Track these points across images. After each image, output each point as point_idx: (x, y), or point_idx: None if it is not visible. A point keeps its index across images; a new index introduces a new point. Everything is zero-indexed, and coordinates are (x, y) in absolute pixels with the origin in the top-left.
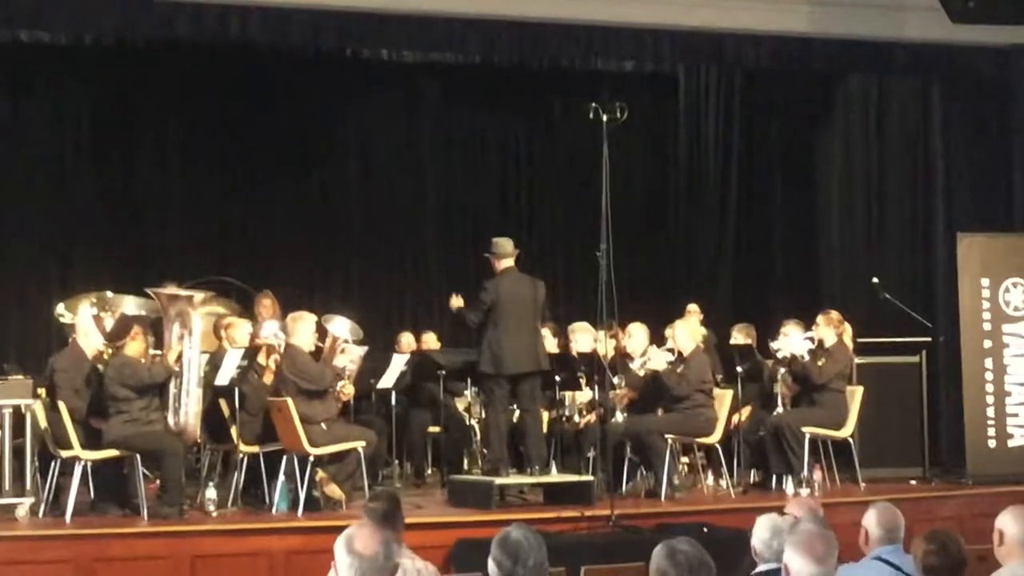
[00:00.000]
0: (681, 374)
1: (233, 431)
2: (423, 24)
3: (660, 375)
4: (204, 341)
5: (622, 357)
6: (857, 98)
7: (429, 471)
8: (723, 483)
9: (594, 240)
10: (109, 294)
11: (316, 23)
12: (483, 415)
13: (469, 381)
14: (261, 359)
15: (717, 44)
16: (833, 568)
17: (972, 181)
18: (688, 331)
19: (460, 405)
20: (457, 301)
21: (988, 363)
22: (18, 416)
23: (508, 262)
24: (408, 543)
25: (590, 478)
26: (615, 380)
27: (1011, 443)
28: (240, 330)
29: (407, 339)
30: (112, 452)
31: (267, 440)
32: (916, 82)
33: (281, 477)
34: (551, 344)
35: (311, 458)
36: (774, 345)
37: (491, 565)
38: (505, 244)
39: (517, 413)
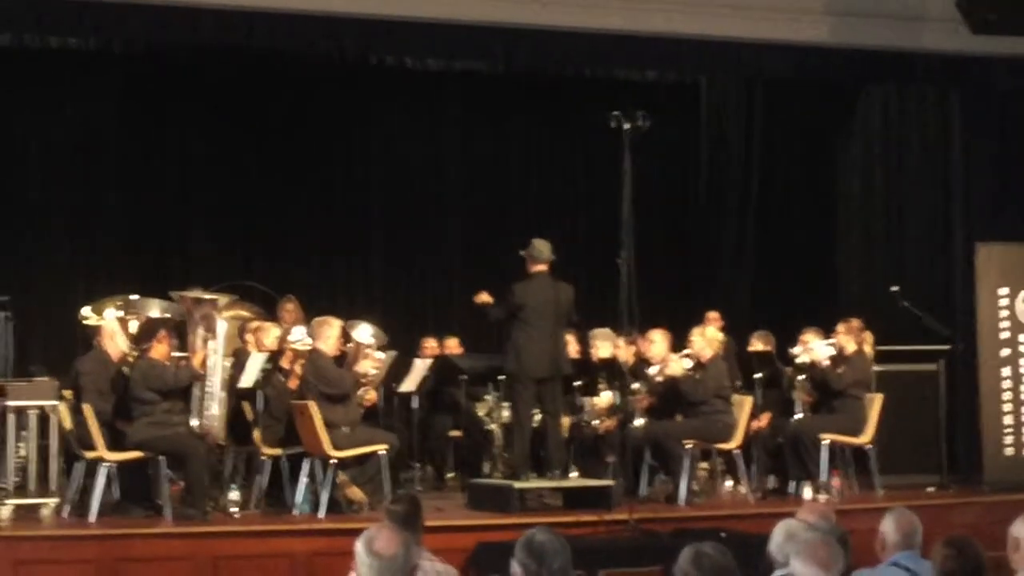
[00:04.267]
0: (699, 380)
1: (256, 434)
2: (446, 32)
3: (678, 381)
4: (228, 345)
5: (642, 363)
6: (877, 108)
7: (450, 474)
8: (742, 489)
9: (615, 248)
10: (134, 297)
11: (340, 31)
12: (504, 419)
13: (491, 386)
14: (286, 363)
15: (738, 54)
16: (839, 574)
17: (991, 191)
18: (707, 337)
19: (481, 410)
20: (485, 297)
21: (1006, 372)
22: (43, 417)
23: (542, 266)
24: (428, 546)
25: (610, 483)
26: (634, 386)
27: None
28: (267, 334)
29: (430, 344)
30: (136, 454)
31: (290, 443)
32: (936, 92)
33: (303, 479)
34: (572, 350)
35: (333, 461)
36: (794, 352)
37: (515, 567)
38: (543, 248)
39: (538, 417)
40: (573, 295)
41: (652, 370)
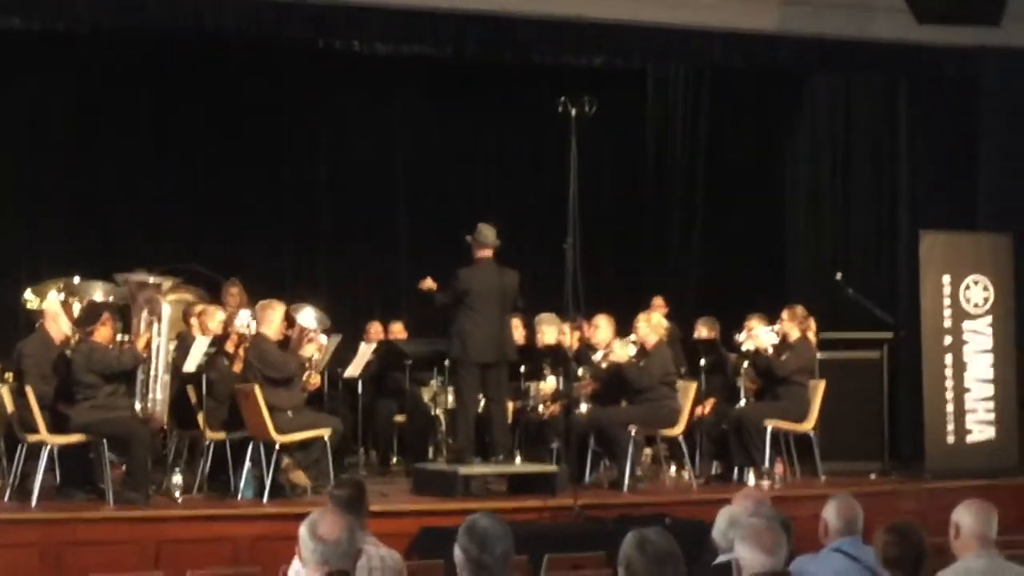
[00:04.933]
0: (643, 367)
1: (200, 418)
2: (396, 17)
3: (623, 367)
4: (172, 328)
5: (586, 348)
6: (824, 96)
7: (394, 459)
8: (685, 475)
9: (562, 233)
10: (77, 280)
11: (288, 15)
12: (449, 404)
13: (435, 371)
14: (230, 347)
15: (686, 41)
16: (783, 559)
17: (936, 180)
18: (652, 324)
19: (426, 395)
20: (429, 283)
21: (948, 359)
22: None
23: (487, 252)
24: (372, 531)
25: (554, 468)
26: (579, 371)
27: (969, 439)
28: (212, 318)
29: (375, 328)
30: (79, 437)
31: (234, 427)
32: (883, 81)
33: (247, 464)
34: (517, 335)
35: (277, 445)
36: (738, 338)
37: (457, 552)
38: (488, 232)
39: (483, 402)
40: (518, 281)
41: (596, 356)
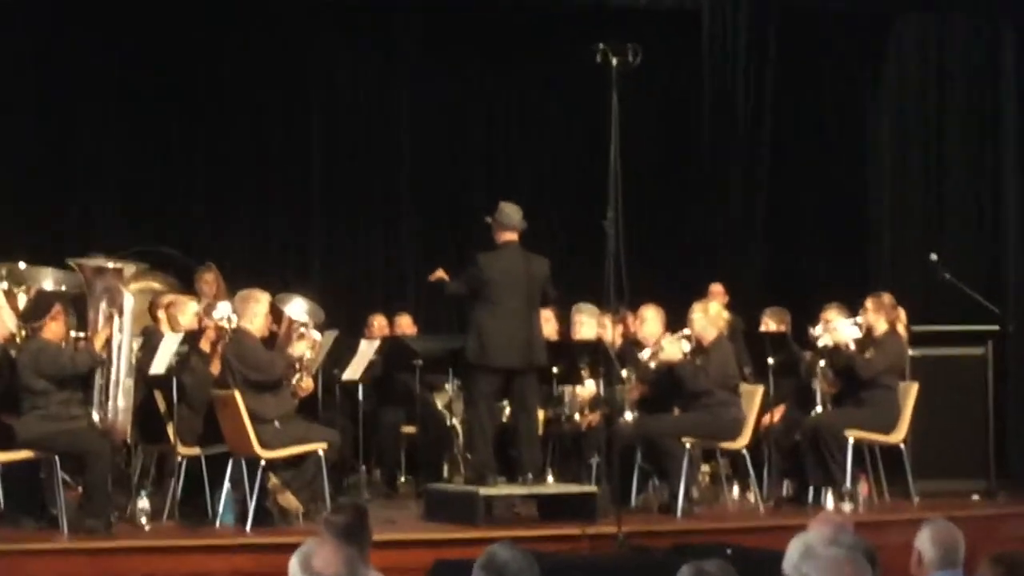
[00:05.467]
0: (700, 366)
1: (170, 429)
2: None
3: (675, 367)
4: (137, 323)
5: (632, 346)
6: (913, 41)
7: (402, 479)
8: (751, 496)
9: (601, 207)
10: (22, 266)
11: None
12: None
13: (450, 373)
14: (205, 345)
15: None
16: None
17: None
18: (710, 316)
19: (440, 401)
20: (440, 274)
21: None
22: None
23: (512, 235)
24: (376, 564)
25: (593, 489)
26: (623, 373)
27: None
28: (184, 310)
29: (378, 323)
30: (26, 453)
31: (210, 441)
32: (982, 23)
33: (227, 485)
34: (549, 329)
35: (262, 462)
36: (813, 333)
37: None
38: (512, 213)
39: (508, 411)
40: (548, 271)
41: (644, 354)
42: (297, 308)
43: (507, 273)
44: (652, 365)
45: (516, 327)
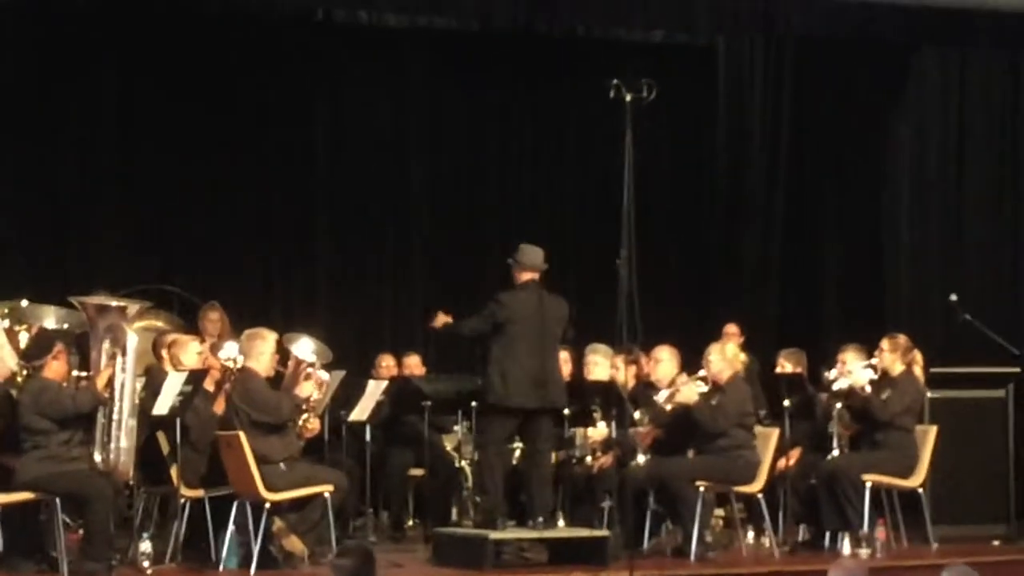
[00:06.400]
0: (716, 407)
1: (173, 471)
2: None
3: (692, 410)
4: (140, 362)
5: (645, 387)
6: (933, 75)
7: (410, 522)
8: (766, 541)
9: (614, 245)
10: (25, 304)
11: None
12: (476, 455)
13: (460, 414)
14: (209, 385)
15: (764, 10)
16: None
17: None
18: (725, 356)
19: (448, 443)
20: (443, 319)
21: None
22: None
23: (532, 275)
24: None
25: (605, 533)
26: (635, 414)
27: None
28: (186, 350)
29: (386, 363)
30: (27, 495)
31: (214, 483)
32: (1003, 56)
33: (230, 527)
34: (563, 370)
35: (267, 505)
36: (829, 375)
37: None
38: (534, 254)
39: (518, 452)
40: (567, 311)
41: (660, 396)
42: (304, 347)
43: (527, 313)
44: (668, 408)
45: (534, 367)
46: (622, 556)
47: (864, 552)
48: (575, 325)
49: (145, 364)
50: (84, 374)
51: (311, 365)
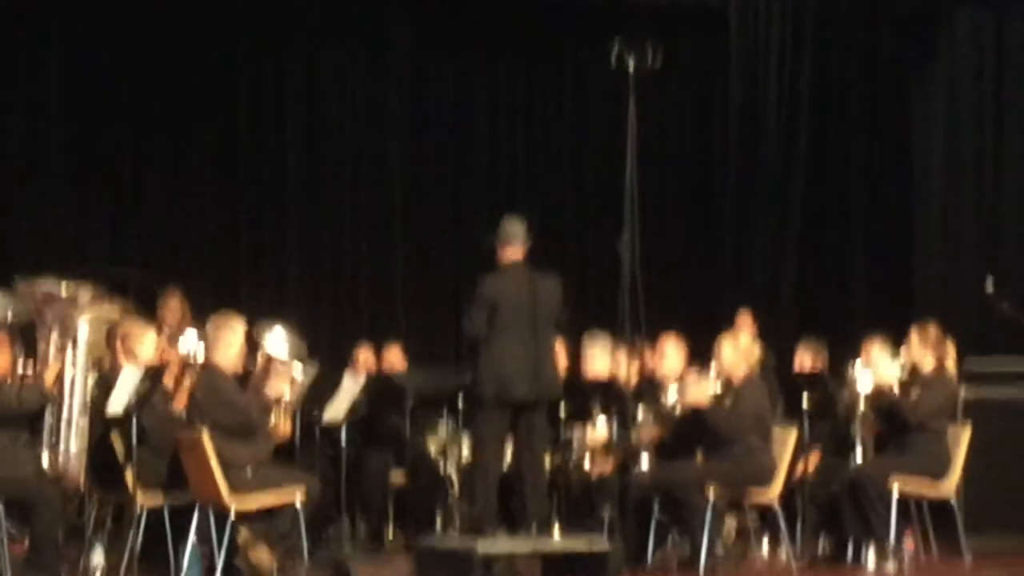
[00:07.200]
0: (732, 409)
1: (128, 476)
2: None
3: (705, 413)
4: (92, 355)
5: (649, 383)
6: (966, 40)
7: (390, 532)
8: (782, 553)
9: (616, 227)
10: None
11: None
12: (463, 457)
13: (445, 413)
14: (168, 380)
15: None
16: None
17: None
18: (740, 350)
19: (433, 445)
20: None
21: None
22: None
23: (516, 253)
24: None
25: (605, 546)
26: (639, 414)
27: None
28: (141, 340)
29: (364, 355)
30: None
31: (174, 488)
32: None
33: (191, 538)
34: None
35: (232, 513)
36: (852, 374)
37: None
38: (514, 228)
39: (509, 455)
40: (560, 292)
41: (668, 397)
42: (278, 342)
43: (514, 295)
44: (676, 409)
45: (525, 355)
46: (624, 570)
47: (891, 565)
48: (571, 313)
49: (98, 357)
50: (29, 369)
51: (283, 362)
